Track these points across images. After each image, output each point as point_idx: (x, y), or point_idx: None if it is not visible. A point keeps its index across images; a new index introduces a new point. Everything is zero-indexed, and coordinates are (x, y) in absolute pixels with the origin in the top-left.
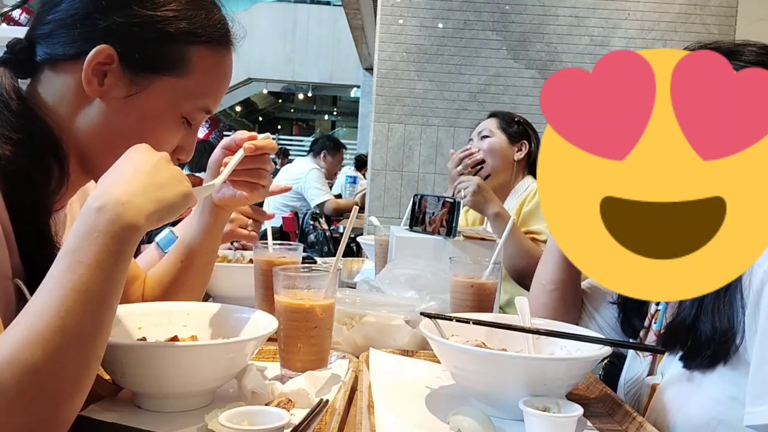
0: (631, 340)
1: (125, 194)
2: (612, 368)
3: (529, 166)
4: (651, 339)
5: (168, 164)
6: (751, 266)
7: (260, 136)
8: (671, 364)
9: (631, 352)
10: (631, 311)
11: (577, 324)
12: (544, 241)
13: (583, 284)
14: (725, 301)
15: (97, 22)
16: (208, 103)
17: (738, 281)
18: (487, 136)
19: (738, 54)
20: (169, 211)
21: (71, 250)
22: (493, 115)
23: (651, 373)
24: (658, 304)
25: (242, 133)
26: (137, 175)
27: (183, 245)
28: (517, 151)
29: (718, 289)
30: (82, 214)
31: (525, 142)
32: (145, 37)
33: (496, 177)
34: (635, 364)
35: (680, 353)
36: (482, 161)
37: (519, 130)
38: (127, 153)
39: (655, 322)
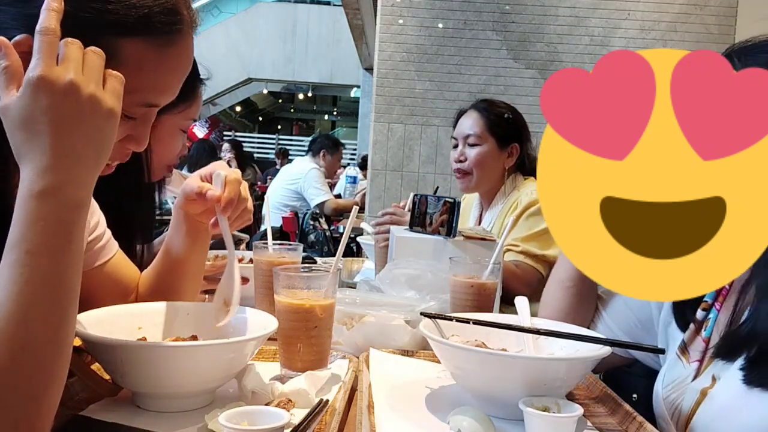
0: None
1: (61, 171)
2: (614, 370)
3: (520, 165)
4: (699, 345)
5: (78, 91)
6: None
7: (221, 175)
8: (728, 370)
9: (671, 356)
10: (686, 301)
11: (588, 325)
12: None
13: (600, 289)
14: None
15: (22, 10)
16: (148, 98)
17: None
18: (475, 144)
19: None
20: (105, 155)
21: (17, 241)
22: (477, 109)
23: (697, 377)
24: (708, 312)
25: (197, 187)
26: (63, 136)
27: (171, 258)
28: (508, 157)
29: None
30: (23, 201)
31: (516, 144)
32: (65, 30)
33: (483, 185)
34: (677, 368)
35: (741, 363)
36: (467, 172)
37: (509, 131)
38: (38, 103)
39: (704, 329)
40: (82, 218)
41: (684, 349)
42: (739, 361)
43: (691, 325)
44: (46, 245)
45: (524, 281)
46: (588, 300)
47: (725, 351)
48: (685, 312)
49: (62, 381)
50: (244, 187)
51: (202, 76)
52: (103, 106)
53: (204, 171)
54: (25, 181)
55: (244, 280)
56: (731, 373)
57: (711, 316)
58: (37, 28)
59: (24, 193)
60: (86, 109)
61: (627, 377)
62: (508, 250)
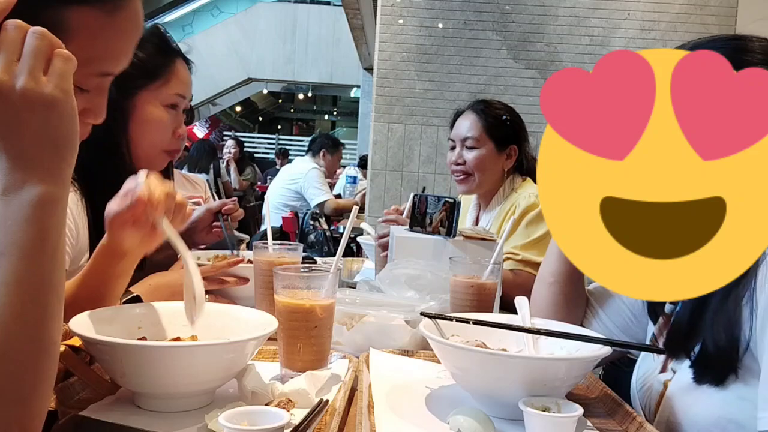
0: (651, 336)
1: (18, 171)
2: (614, 370)
3: (517, 166)
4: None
5: (8, 92)
6: (759, 266)
7: (137, 176)
8: (681, 365)
9: None
10: None
11: (581, 323)
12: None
13: (593, 285)
14: (729, 312)
15: None
16: (103, 67)
17: (745, 286)
18: (474, 147)
19: (745, 52)
20: (67, 143)
21: None
22: (474, 110)
23: (663, 370)
24: (676, 305)
25: (120, 203)
26: (9, 139)
27: (89, 289)
28: (507, 159)
29: (722, 297)
30: None
31: (514, 147)
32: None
33: (482, 186)
34: (647, 360)
35: (688, 361)
36: (469, 173)
37: (507, 133)
38: None
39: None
40: (54, 214)
41: (654, 341)
42: (686, 360)
43: (661, 318)
44: (16, 245)
45: (524, 289)
46: (574, 296)
47: (671, 349)
48: (655, 305)
49: (51, 380)
50: (167, 183)
51: (185, 53)
52: (39, 97)
53: (119, 195)
54: None
55: (244, 280)
56: (683, 369)
57: (677, 309)
58: None
59: None
60: (21, 108)
61: (627, 377)
62: (508, 258)
